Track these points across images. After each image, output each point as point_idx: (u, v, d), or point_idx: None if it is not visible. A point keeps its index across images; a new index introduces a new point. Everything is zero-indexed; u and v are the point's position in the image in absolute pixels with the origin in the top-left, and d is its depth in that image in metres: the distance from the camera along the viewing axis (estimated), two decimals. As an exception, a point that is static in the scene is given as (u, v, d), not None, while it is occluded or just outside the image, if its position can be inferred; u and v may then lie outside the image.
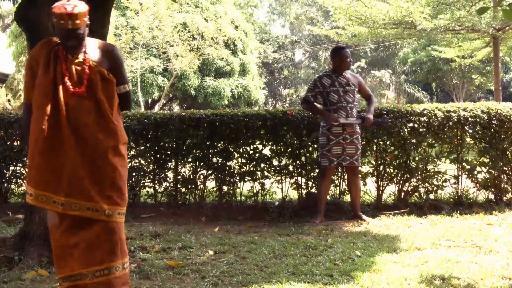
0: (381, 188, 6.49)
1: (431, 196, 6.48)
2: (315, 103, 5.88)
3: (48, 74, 2.83)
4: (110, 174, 2.84)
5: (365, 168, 6.51)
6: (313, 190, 6.39)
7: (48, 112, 2.77)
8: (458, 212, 5.96)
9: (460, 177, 6.55)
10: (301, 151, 6.42)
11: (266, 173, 6.52)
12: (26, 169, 2.89)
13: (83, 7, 2.81)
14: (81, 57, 2.88)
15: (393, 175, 6.49)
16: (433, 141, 6.48)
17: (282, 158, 6.49)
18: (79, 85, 2.84)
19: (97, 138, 2.83)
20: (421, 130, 6.28)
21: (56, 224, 2.82)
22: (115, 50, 3.04)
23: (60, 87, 2.81)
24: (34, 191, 2.77)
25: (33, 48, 2.97)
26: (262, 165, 6.49)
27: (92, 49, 2.94)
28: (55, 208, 2.77)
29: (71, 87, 2.83)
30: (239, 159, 6.52)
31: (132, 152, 6.61)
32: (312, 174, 6.43)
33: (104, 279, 2.79)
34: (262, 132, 6.46)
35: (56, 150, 2.77)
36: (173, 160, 6.64)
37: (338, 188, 6.53)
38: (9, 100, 15.94)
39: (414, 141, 6.33)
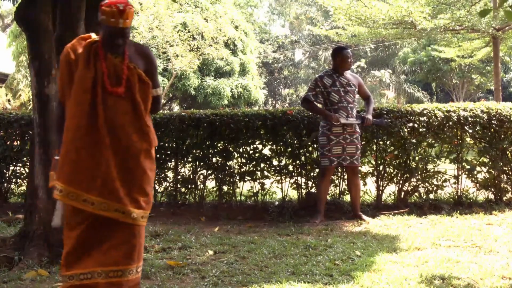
0: (381, 188, 6.49)
1: (431, 196, 6.48)
2: (315, 103, 5.89)
3: (89, 71, 2.77)
4: (139, 177, 2.81)
5: (365, 168, 6.51)
6: (313, 190, 6.40)
7: (87, 109, 2.73)
8: (458, 212, 5.96)
9: (460, 177, 6.55)
10: (301, 151, 6.42)
11: (266, 173, 6.52)
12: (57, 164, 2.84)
13: (132, 8, 2.80)
14: (120, 57, 2.84)
15: (393, 175, 6.49)
16: (433, 141, 6.48)
17: (282, 158, 6.49)
18: (117, 85, 2.81)
19: (131, 139, 2.80)
20: (421, 130, 6.28)
21: (76, 221, 2.76)
22: (151, 53, 3.02)
23: (99, 86, 2.77)
24: (65, 188, 2.72)
25: (69, 43, 2.86)
26: (262, 165, 6.49)
27: (130, 50, 2.90)
28: (84, 207, 2.72)
29: (109, 86, 2.79)
30: (239, 159, 6.52)
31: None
32: (312, 174, 6.43)
33: (116, 281, 2.76)
34: (262, 132, 6.46)
35: (91, 149, 2.73)
36: (173, 160, 6.64)
37: (338, 188, 6.53)
38: (9, 100, 15.94)
39: (414, 141, 6.33)
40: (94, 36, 2.87)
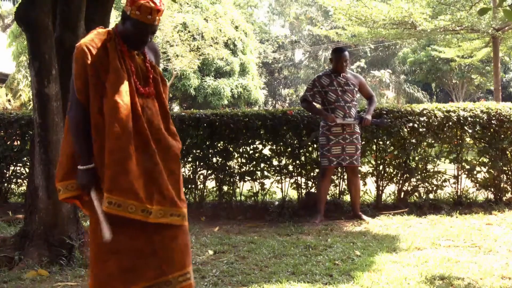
0: (380, 188, 6.50)
1: (431, 196, 6.48)
2: (313, 103, 5.90)
3: (123, 70, 2.59)
4: (179, 178, 2.73)
5: (365, 168, 6.52)
6: (313, 190, 6.40)
7: (130, 113, 2.53)
8: (458, 212, 5.96)
9: (459, 177, 6.55)
10: (301, 151, 6.42)
11: (266, 173, 6.52)
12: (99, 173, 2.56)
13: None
14: (142, 55, 2.72)
15: (392, 175, 6.49)
16: (432, 141, 6.49)
17: (282, 158, 6.50)
18: (145, 85, 2.67)
19: (168, 141, 2.68)
20: (420, 130, 6.28)
21: (127, 234, 2.55)
22: (158, 47, 2.89)
23: (132, 86, 2.60)
24: (124, 201, 2.48)
25: (86, 39, 2.63)
26: (262, 165, 6.50)
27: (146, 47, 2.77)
28: (143, 218, 2.51)
29: (141, 86, 2.65)
30: (239, 159, 6.52)
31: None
32: (311, 174, 6.44)
33: (187, 284, 2.63)
34: (262, 132, 6.46)
35: (141, 155, 2.56)
36: (173, 160, 6.63)
37: (338, 188, 6.54)
38: (9, 100, 15.94)
39: (413, 141, 6.33)
40: (100, 30, 2.69)
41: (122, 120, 2.49)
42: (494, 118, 6.35)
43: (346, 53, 5.98)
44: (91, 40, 2.61)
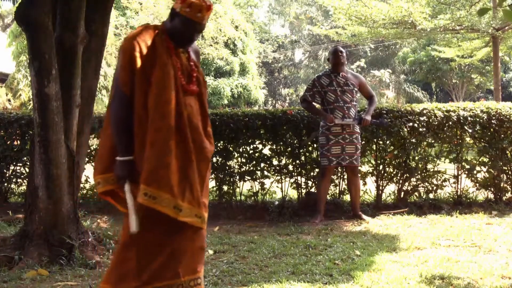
0: (380, 187, 6.50)
1: (431, 195, 6.48)
2: (313, 103, 5.90)
3: (171, 67, 2.58)
4: (206, 181, 2.72)
5: (364, 168, 6.52)
6: (312, 190, 6.40)
7: (173, 108, 2.53)
8: (458, 211, 5.96)
9: (459, 177, 6.55)
10: (301, 150, 6.42)
11: (266, 173, 6.52)
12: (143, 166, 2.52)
13: None
14: (186, 53, 2.71)
15: (392, 175, 6.49)
16: (432, 141, 6.49)
17: (282, 158, 6.49)
18: (189, 83, 2.66)
19: (203, 141, 2.66)
20: (420, 129, 6.28)
21: (157, 230, 2.56)
22: (199, 48, 2.89)
23: (177, 83, 2.59)
24: (160, 194, 2.48)
25: (134, 32, 2.62)
26: (262, 164, 6.49)
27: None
28: (174, 214, 2.51)
29: (185, 83, 2.63)
30: (239, 159, 6.52)
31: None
32: (311, 173, 6.43)
33: None
34: (261, 132, 6.46)
35: (179, 151, 2.55)
36: (173, 160, 6.63)
37: (337, 187, 6.54)
38: (9, 100, 15.92)
39: (413, 140, 6.33)
40: (148, 25, 2.68)
41: (165, 114, 2.50)
42: (494, 117, 6.35)
43: (342, 50, 5.97)
44: (140, 33, 2.60)
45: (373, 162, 6.50)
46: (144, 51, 2.55)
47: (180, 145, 2.55)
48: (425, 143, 6.45)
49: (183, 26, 2.59)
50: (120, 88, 2.55)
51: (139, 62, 2.53)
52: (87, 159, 5.89)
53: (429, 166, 6.48)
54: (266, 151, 6.58)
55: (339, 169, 6.39)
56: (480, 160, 6.54)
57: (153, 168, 2.49)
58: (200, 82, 2.71)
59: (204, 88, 2.75)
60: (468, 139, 6.60)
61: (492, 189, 6.56)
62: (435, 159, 6.47)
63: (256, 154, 6.48)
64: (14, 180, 6.89)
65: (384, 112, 6.30)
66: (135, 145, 2.55)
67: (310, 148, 6.43)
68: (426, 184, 6.48)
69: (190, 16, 2.55)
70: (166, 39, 2.62)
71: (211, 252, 4.38)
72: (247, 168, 6.49)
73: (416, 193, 6.53)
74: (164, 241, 2.56)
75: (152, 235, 2.55)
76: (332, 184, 6.36)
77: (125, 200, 2.59)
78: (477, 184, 6.54)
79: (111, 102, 2.59)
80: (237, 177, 6.51)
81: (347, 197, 6.41)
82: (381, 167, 6.48)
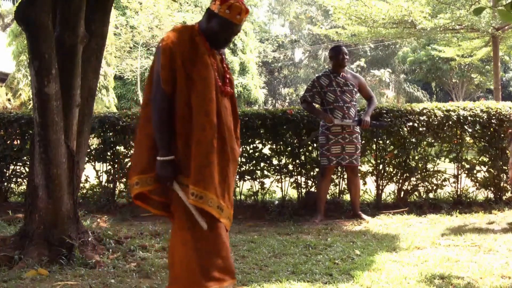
0: (380, 187, 6.50)
1: (431, 195, 6.48)
2: (313, 103, 5.90)
3: (212, 67, 2.58)
4: (233, 182, 2.70)
5: (364, 167, 6.52)
6: (312, 189, 6.40)
7: (215, 109, 2.53)
8: (458, 211, 5.96)
9: (459, 176, 6.55)
10: (301, 150, 6.42)
11: (265, 172, 6.52)
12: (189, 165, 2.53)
13: None
14: (219, 54, 2.71)
15: (392, 174, 6.49)
16: (432, 140, 6.49)
17: (281, 157, 6.49)
18: (223, 84, 2.65)
19: (234, 142, 2.66)
20: (420, 129, 6.28)
21: (201, 232, 2.55)
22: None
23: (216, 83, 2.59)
24: (206, 194, 2.48)
25: (175, 29, 2.63)
26: (262, 164, 6.49)
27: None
28: (217, 214, 2.53)
29: (222, 84, 2.62)
30: (239, 158, 6.51)
31: (132, 152, 6.61)
32: (311, 173, 6.43)
33: None
34: (261, 131, 6.46)
35: (219, 151, 2.55)
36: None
37: (337, 187, 6.54)
38: (9, 99, 15.93)
39: (413, 140, 6.33)
40: (185, 25, 2.68)
41: (210, 113, 2.50)
42: (494, 117, 6.35)
43: (346, 51, 5.98)
44: (179, 33, 2.60)
45: (373, 162, 6.51)
46: (185, 50, 2.55)
47: (219, 145, 2.55)
48: (425, 142, 6.45)
49: (221, 28, 2.59)
50: (161, 86, 2.54)
51: (180, 61, 2.53)
52: (87, 158, 5.90)
53: (429, 165, 6.48)
54: (266, 150, 6.58)
55: (339, 169, 6.39)
56: (480, 159, 6.54)
57: (200, 166, 2.48)
58: (232, 83, 2.71)
59: (233, 90, 2.76)
60: (468, 138, 6.60)
61: (492, 188, 6.55)
62: (435, 158, 6.47)
63: (256, 154, 6.48)
64: (14, 180, 6.89)
65: (384, 111, 6.30)
66: (179, 143, 2.54)
67: (310, 148, 6.43)
68: (426, 183, 6.48)
69: (229, 18, 2.55)
70: (204, 40, 2.62)
71: (211, 251, 4.38)
72: (247, 167, 6.49)
73: (416, 193, 6.53)
74: (211, 240, 2.57)
75: (200, 236, 2.55)
76: (332, 184, 6.36)
77: (157, 202, 2.61)
78: (477, 184, 6.54)
79: (151, 101, 2.56)
80: (237, 177, 6.51)
81: (347, 197, 6.41)
82: (381, 166, 6.48)
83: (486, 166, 6.51)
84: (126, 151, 6.62)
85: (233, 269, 2.68)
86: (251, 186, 6.59)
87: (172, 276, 2.63)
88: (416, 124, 6.27)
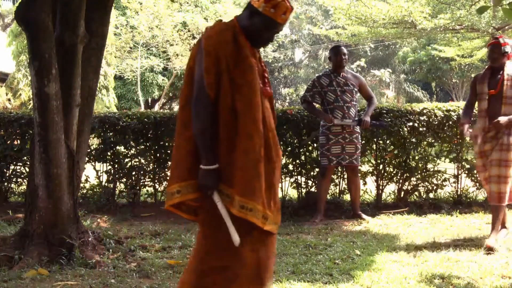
0: (380, 187, 6.50)
1: (431, 195, 6.48)
2: (313, 103, 5.90)
3: (256, 67, 2.47)
4: (278, 186, 2.59)
5: (365, 167, 6.52)
6: (313, 189, 6.40)
7: (261, 112, 2.41)
8: (458, 211, 5.96)
9: (459, 176, 6.55)
10: (301, 150, 6.42)
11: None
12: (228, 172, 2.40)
13: None
14: (258, 54, 2.59)
15: (393, 174, 6.49)
16: (432, 140, 6.49)
17: (282, 157, 6.48)
18: (263, 84, 2.53)
19: (278, 146, 2.55)
20: (420, 129, 6.28)
21: (251, 240, 2.44)
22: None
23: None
24: (254, 205, 2.36)
25: (217, 28, 2.49)
26: (262, 164, 6.48)
27: None
28: (261, 224, 2.40)
29: (263, 85, 2.52)
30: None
31: (132, 151, 6.61)
32: (311, 173, 6.43)
33: None
34: (262, 131, 6.44)
35: (265, 158, 2.43)
36: (173, 159, 6.63)
37: (338, 187, 6.54)
38: (9, 99, 15.93)
39: (414, 140, 6.33)
40: (225, 22, 2.56)
41: (256, 119, 2.38)
42: (494, 117, 6.34)
43: (345, 52, 5.98)
44: (222, 31, 2.46)
45: (373, 162, 6.51)
46: (229, 52, 2.40)
47: (265, 151, 2.43)
48: (425, 142, 6.45)
49: (265, 27, 2.46)
50: (205, 91, 2.37)
51: (224, 64, 2.39)
52: (87, 158, 5.89)
53: (429, 165, 6.48)
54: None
55: (339, 169, 6.38)
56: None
57: (249, 178, 2.36)
58: (270, 83, 2.61)
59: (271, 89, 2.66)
60: (468, 138, 6.58)
61: (492, 188, 6.54)
62: (435, 158, 6.47)
63: (256, 154, 6.47)
64: (14, 180, 6.89)
65: (384, 111, 6.30)
66: (221, 150, 2.40)
67: (310, 148, 6.43)
68: (426, 183, 6.48)
69: (274, 17, 2.43)
70: (245, 39, 2.47)
71: (211, 251, 4.37)
72: (247, 167, 6.48)
73: (416, 193, 6.53)
74: (249, 251, 2.43)
75: (236, 249, 2.40)
76: (332, 184, 6.36)
77: (190, 208, 2.50)
78: (477, 184, 6.53)
79: (193, 105, 2.41)
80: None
81: (347, 197, 6.41)
82: (381, 166, 6.48)
83: (486, 166, 6.50)
84: (126, 151, 6.62)
85: (271, 274, 2.57)
86: (251, 186, 6.57)
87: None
88: (416, 124, 6.27)
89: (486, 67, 4.79)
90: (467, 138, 4.91)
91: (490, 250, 4.18)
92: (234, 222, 2.37)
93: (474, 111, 5.06)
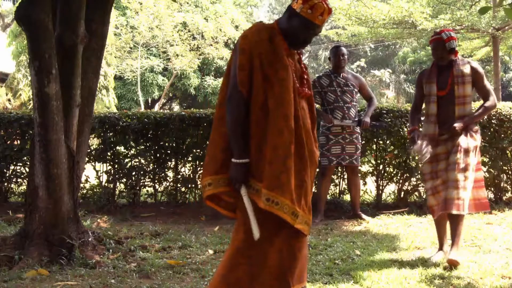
0: (381, 187, 6.50)
1: (431, 195, 6.47)
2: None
3: (290, 68, 2.51)
4: (312, 186, 2.64)
5: (365, 168, 6.52)
6: (313, 189, 6.38)
7: (293, 112, 2.46)
8: (458, 211, 5.95)
9: (459, 177, 6.53)
10: (301, 150, 6.41)
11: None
12: (259, 168, 2.45)
13: None
14: (296, 54, 2.65)
15: (392, 175, 6.49)
16: (432, 141, 6.47)
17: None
18: (300, 85, 2.58)
19: (313, 145, 2.60)
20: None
21: (278, 237, 2.46)
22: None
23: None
24: (281, 200, 2.40)
25: (254, 28, 2.56)
26: (262, 164, 6.48)
27: None
28: (291, 221, 2.43)
29: (299, 86, 2.56)
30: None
31: (132, 152, 6.62)
32: (312, 173, 6.42)
33: None
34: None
35: (297, 156, 2.48)
36: (173, 160, 6.64)
37: (338, 187, 6.54)
38: (9, 100, 15.94)
39: (413, 140, 6.32)
40: (264, 23, 2.61)
41: (287, 116, 2.44)
42: (494, 117, 6.34)
43: (344, 52, 5.97)
44: (258, 32, 2.53)
45: (373, 162, 6.51)
46: (263, 50, 2.47)
47: (296, 148, 2.48)
48: (425, 143, 6.43)
49: (302, 28, 2.51)
50: (238, 88, 2.46)
51: (258, 62, 2.46)
52: (87, 158, 5.90)
53: (429, 166, 6.46)
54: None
55: (339, 169, 6.39)
56: (480, 159, 6.52)
57: (276, 172, 2.41)
58: (309, 84, 2.66)
59: (311, 91, 2.70)
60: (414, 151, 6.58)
61: (492, 189, 6.55)
62: (435, 159, 6.45)
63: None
64: (14, 180, 6.90)
65: (384, 112, 6.30)
66: (252, 146, 2.48)
67: (310, 148, 6.42)
68: (426, 184, 6.47)
69: (311, 18, 2.48)
70: (282, 40, 2.54)
71: (211, 251, 4.38)
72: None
73: (416, 193, 6.53)
74: (274, 249, 2.47)
75: (261, 243, 2.44)
76: (332, 184, 6.37)
77: (229, 204, 2.56)
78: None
79: (227, 101, 2.50)
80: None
81: (347, 197, 6.42)
82: (381, 167, 6.48)
83: (486, 166, 6.50)
84: (126, 151, 6.62)
85: (303, 274, 2.58)
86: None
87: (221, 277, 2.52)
88: (416, 124, 6.26)
89: (432, 63, 4.20)
90: (414, 151, 4.11)
91: (453, 264, 3.71)
92: (265, 220, 2.42)
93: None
